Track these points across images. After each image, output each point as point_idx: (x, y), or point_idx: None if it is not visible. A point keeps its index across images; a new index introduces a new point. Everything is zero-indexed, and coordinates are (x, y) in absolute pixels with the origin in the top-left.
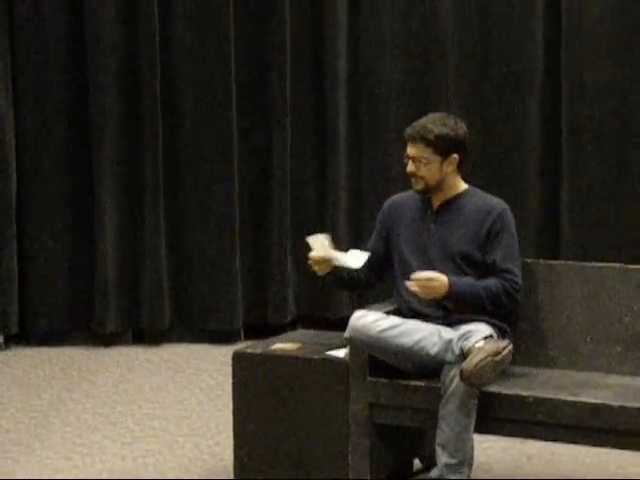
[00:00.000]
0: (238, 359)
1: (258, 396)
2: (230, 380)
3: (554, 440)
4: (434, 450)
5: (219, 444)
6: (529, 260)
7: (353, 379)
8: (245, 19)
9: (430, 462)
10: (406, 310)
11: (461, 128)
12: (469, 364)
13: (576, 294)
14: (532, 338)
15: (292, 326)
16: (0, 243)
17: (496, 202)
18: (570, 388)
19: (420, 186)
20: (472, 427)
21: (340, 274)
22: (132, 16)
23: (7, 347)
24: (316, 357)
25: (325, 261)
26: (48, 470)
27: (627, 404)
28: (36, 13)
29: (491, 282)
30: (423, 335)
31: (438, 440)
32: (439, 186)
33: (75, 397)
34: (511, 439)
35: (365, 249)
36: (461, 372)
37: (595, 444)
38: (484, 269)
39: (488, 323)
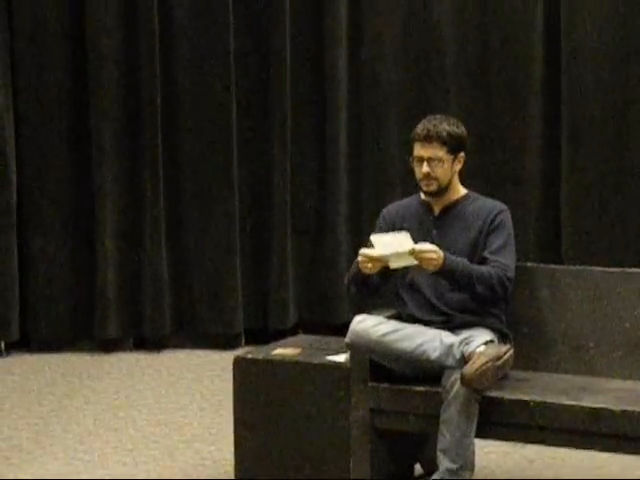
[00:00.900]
0: (239, 364)
1: (259, 401)
2: (231, 386)
3: (555, 444)
4: (435, 455)
5: (220, 450)
6: (530, 264)
7: (354, 384)
8: (245, 20)
9: (431, 467)
10: (406, 316)
11: (463, 127)
12: (470, 369)
13: (577, 299)
14: (533, 342)
15: (293, 331)
16: (1, 250)
17: (495, 204)
18: (571, 392)
19: (433, 187)
20: (473, 432)
21: (384, 276)
22: (132, 21)
23: (8, 354)
24: (317, 362)
25: (379, 260)
26: (49, 476)
27: (628, 408)
28: (35, 14)
29: (484, 268)
30: (424, 339)
31: (439, 445)
32: (447, 187)
33: (76, 403)
34: (512, 443)
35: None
36: (462, 377)
37: (596, 448)
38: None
39: (489, 328)
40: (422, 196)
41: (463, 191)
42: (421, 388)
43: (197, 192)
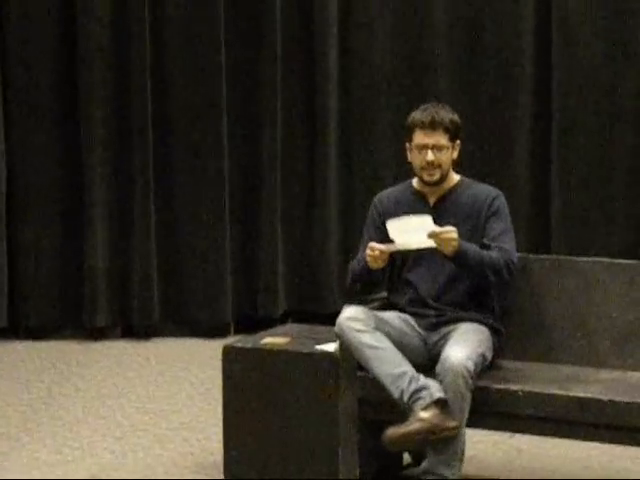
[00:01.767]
0: (228, 353)
1: (248, 390)
2: (220, 374)
3: (544, 434)
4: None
5: (209, 438)
6: (519, 254)
7: (343, 374)
8: (236, 11)
9: (420, 456)
10: (403, 302)
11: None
12: (397, 431)
13: (566, 288)
14: (522, 332)
15: (282, 320)
16: None
17: (490, 189)
18: (559, 382)
19: (436, 176)
20: (465, 421)
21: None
22: (123, 18)
23: None
24: (306, 351)
25: (386, 255)
26: (38, 464)
27: (616, 398)
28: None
29: (492, 253)
30: (402, 372)
31: None
32: (446, 175)
33: (64, 391)
34: (501, 433)
35: (364, 244)
36: (385, 434)
37: (584, 438)
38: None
39: (482, 323)
40: (415, 185)
41: (456, 178)
42: None
43: (187, 181)
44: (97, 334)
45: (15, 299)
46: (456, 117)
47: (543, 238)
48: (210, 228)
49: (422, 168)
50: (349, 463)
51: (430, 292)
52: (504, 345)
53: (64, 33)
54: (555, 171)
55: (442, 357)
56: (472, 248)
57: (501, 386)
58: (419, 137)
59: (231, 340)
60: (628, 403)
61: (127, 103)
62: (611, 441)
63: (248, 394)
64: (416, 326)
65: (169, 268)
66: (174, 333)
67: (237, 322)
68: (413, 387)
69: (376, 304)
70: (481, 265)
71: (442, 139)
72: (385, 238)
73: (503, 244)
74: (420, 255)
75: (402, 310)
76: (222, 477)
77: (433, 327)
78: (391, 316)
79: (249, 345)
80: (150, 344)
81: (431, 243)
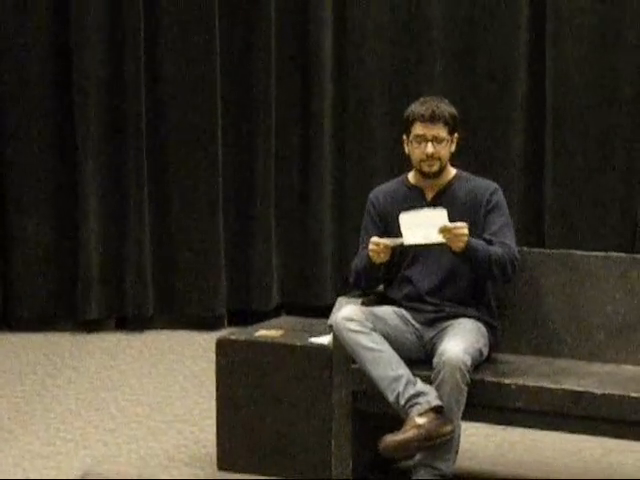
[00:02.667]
0: (222, 346)
1: (241, 383)
2: (213, 367)
3: (537, 427)
4: None
5: (202, 430)
6: None
7: (336, 366)
8: (230, 7)
9: None
10: (400, 297)
11: None
12: (393, 439)
13: (559, 282)
14: (515, 326)
15: (276, 313)
16: None
17: (487, 183)
18: (553, 375)
19: (435, 168)
20: (460, 414)
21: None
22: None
23: None
24: (300, 344)
25: (389, 249)
26: (31, 456)
27: (610, 392)
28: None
29: (497, 249)
30: (399, 375)
31: None
32: (444, 168)
33: (58, 383)
34: (494, 426)
35: (366, 246)
36: (382, 441)
37: (577, 431)
38: None
39: (478, 319)
40: (411, 179)
41: (453, 171)
42: None
43: (181, 174)
44: (91, 326)
45: (8, 291)
46: (454, 111)
47: (537, 233)
48: (204, 221)
49: (421, 160)
50: (342, 455)
51: (428, 288)
52: (497, 338)
53: (58, 45)
54: (549, 166)
55: (439, 351)
56: (480, 245)
57: (495, 379)
58: (419, 129)
59: (225, 333)
60: (622, 396)
61: (121, 93)
62: (604, 434)
63: (242, 386)
64: (412, 320)
65: (163, 261)
66: (168, 325)
67: (231, 315)
68: (410, 392)
69: (371, 297)
70: (488, 262)
71: (442, 132)
72: (385, 235)
73: (505, 239)
74: (419, 252)
75: (398, 304)
76: (216, 469)
77: (430, 322)
78: (387, 311)
79: (243, 338)
80: (144, 336)
81: (440, 239)
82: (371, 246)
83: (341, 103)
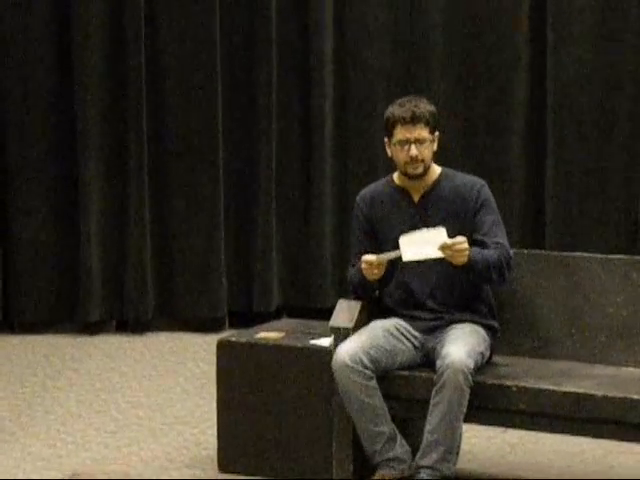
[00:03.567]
0: (222, 348)
1: (242, 385)
2: (214, 369)
3: (537, 429)
4: (418, 438)
5: (203, 432)
6: (513, 250)
7: None
8: (231, 7)
9: (415, 450)
10: (396, 303)
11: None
12: None
13: (560, 284)
14: (516, 327)
15: (277, 315)
16: None
17: (473, 179)
18: (553, 378)
19: (420, 170)
20: (462, 416)
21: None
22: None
23: None
24: (300, 346)
25: (384, 266)
26: (31, 458)
27: (610, 394)
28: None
29: (494, 253)
30: (380, 432)
31: (428, 427)
32: (429, 167)
33: (59, 385)
34: (494, 428)
35: (360, 252)
36: None
37: (578, 433)
38: (474, 247)
39: (478, 324)
40: (397, 181)
41: (438, 170)
42: (404, 373)
43: (181, 175)
44: (91, 328)
45: (9, 294)
46: (433, 108)
47: (537, 235)
48: (205, 223)
49: (405, 163)
50: (343, 457)
51: (423, 292)
52: (498, 340)
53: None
54: (550, 168)
55: (442, 354)
56: (479, 255)
57: (495, 381)
58: (401, 133)
59: (225, 335)
60: (622, 398)
61: (123, 96)
62: (604, 436)
63: (242, 389)
64: (411, 330)
65: (163, 263)
66: (168, 327)
67: (231, 317)
68: (388, 454)
69: (371, 301)
70: (488, 269)
71: (423, 132)
72: (376, 242)
73: (497, 239)
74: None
75: (395, 312)
76: (216, 471)
77: (430, 330)
78: (384, 333)
79: (243, 340)
80: (144, 338)
81: (439, 254)
82: (364, 265)
83: (342, 104)
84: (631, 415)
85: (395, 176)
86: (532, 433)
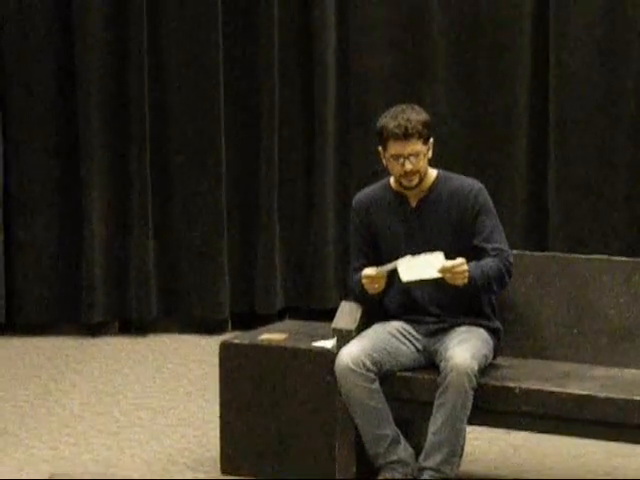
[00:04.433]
0: (225, 349)
1: (245, 386)
2: (217, 370)
3: (540, 431)
4: (421, 440)
5: (206, 434)
6: (516, 252)
7: None
8: (232, 7)
9: (418, 452)
10: (397, 306)
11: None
12: None
13: (563, 286)
14: (518, 329)
15: (280, 316)
16: None
17: (470, 183)
18: (556, 379)
19: (415, 182)
20: (466, 418)
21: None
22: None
23: None
24: (303, 348)
25: (384, 278)
26: (34, 460)
27: (613, 395)
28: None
29: (493, 263)
30: (384, 434)
31: (431, 428)
32: (424, 176)
33: (62, 387)
34: (497, 430)
35: (360, 258)
36: None
37: (581, 435)
38: (473, 253)
39: (481, 326)
40: (393, 185)
41: (434, 173)
42: (406, 374)
43: (184, 177)
44: (94, 330)
45: (12, 295)
46: (426, 116)
47: (541, 237)
48: (207, 224)
49: (401, 176)
50: (346, 459)
51: (425, 298)
52: (501, 343)
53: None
54: (553, 169)
55: (447, 356)
56: (479, 271)
57: (498, 383)
58: (394, 148)
59: (228, 336)
60: (624, 400)
61: (125, 99)
62: (607, 438)
63: (245, 390)
64: (414, 333)
65: (166, 264)
66: (171, 329)
67: (234, 318)
68: (390, 457)
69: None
70: (489, 283)
71: (417, 146)
72: (372, 242)
73: (497, 244)
74: None
75: (397, 316)
76: (219, 473)
77: (432, 334)
78: (387, 335)
79: (246, 341)
80: (147, 340)
81: (438, 275)
82: (364, 280)
83: (344, 107)
84: (634, 417)
85: (392, 180)
86: (535, 435)
